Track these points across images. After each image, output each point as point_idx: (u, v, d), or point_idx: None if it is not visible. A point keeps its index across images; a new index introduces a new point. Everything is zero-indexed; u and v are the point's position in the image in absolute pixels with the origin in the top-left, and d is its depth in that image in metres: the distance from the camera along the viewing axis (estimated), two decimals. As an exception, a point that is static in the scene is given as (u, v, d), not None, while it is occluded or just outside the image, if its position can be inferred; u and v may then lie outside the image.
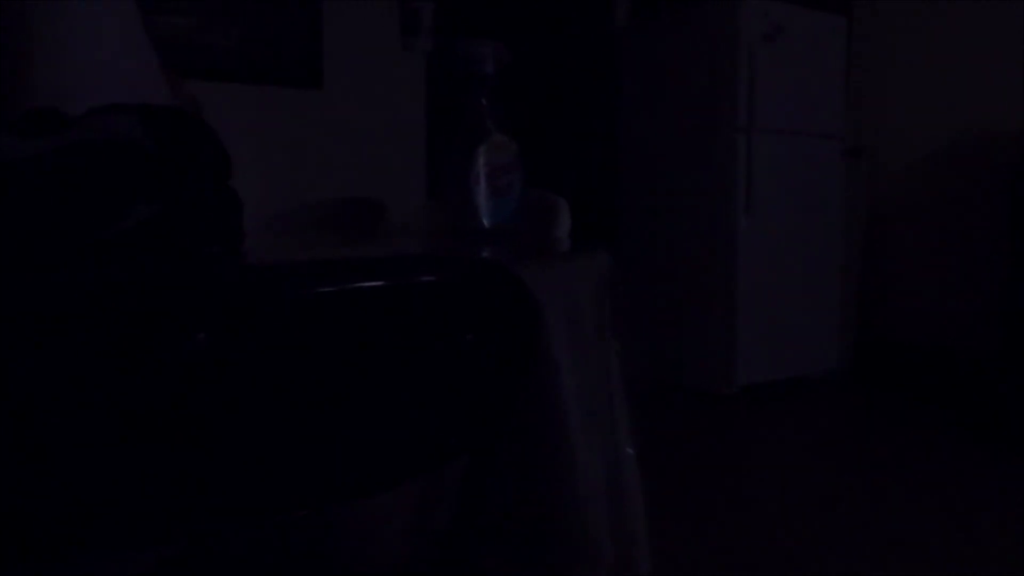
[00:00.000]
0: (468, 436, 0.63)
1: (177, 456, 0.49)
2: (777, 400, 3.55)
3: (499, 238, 1.12)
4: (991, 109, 3.54)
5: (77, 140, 0.65)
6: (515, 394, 0.65)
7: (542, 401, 0.75)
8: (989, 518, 2.19)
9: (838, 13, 3.83)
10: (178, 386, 0.48)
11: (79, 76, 0.95)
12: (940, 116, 3.76)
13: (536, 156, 4.09)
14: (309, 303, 0.52)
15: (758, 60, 3.52)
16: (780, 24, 3.57)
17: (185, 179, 0.74)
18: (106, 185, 0.64)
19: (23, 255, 0.59)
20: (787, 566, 1.90)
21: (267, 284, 0.51)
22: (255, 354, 0.51)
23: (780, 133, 3.64)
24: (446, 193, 1.21)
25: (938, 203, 3.79)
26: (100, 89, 0.93)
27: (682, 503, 2.30)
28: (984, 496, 2.37)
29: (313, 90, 3.27)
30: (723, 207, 3.58)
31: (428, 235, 1.35)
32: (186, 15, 3.03)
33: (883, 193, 4.01)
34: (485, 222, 1.15)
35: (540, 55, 3.94)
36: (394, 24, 3.47)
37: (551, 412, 0.76)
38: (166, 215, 0.70)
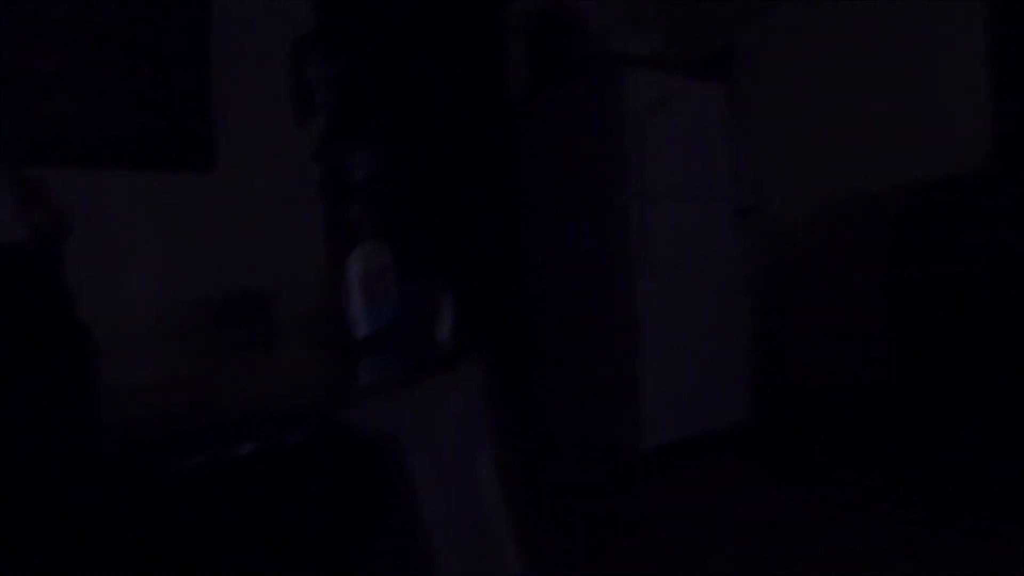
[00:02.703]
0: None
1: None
2: (687, 458, 3.61)
3: (374, 349, 1.12)
4: (870, 166, 3.75)
5: None
6: (374, 537, 0.65)
7: (405, 534, 0.75)
8: (896, 561, 2.27)
9: (718, 81, 4.03)
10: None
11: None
12: (823, 174, 3.96)
13: (441, 225, 4.12)
14: (166, 479, 0.51)
15: (646, 128, 3.65)
16: (665, 94, 3.72)
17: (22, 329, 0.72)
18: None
19: None
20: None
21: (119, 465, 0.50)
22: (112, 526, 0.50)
23: (672, 197, 3.77)
24: (325, 301, 1.21)
25: (828, 257, 3.97)
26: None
27: (595, 564, 2.30)
28: (887, 541, 2.45)
29: (206, 173, 3.22)
30: (621, 270, 3.66)
31: (311, 343, 1.34)
32: (69, 102, 2.96)
33: (776, 250, 4.18)
34: (361, 331, 1.15)
35: (439, 125, 4.00)
36: (286, 101, 3.46)
37: (415, 543, 0.76)
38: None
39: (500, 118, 4.19)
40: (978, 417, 2.81)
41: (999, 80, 3.32)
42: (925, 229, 3.18)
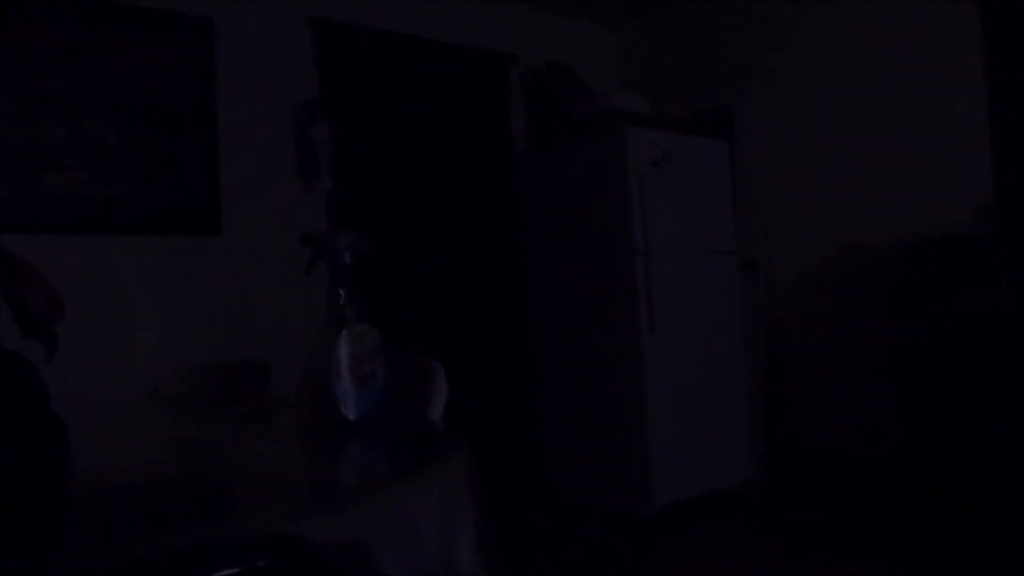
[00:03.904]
0: None
1: None
2: (696, 517, 3.55)
3: (363, 431, 1.12)
4: (872, 219, 3.75)
5: None
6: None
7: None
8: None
9: (720, 138, 4.06)
10: None
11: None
12: (827, 226, 3.95)
13: (447, 284, 4.13)
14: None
15: (649, 185, 3.67)
16: (667, 151, 3.75)
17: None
18: None
19: None
20: None
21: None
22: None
23: (676, 252, 3.77)
24: (313, 383, 1.20)
25: (832, 310, 3.94)
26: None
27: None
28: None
29: (212, 236, 3.25)
30: (627, 327, 3.65)
31: (302, 423, 1.33)
32: (77, 169, 3.01)
33: (781, 303, 4.16)
34: (349, 414, 1.15)
35: (443, 184, 4.04)
36: (291, 166, 3.51)
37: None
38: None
39: (503, 178, 4.23)
40: (980, 477, 2.76)
41: (999, 135, 3.33)
42: (924, 287, 3.16)
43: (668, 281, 3.71)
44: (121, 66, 3.14)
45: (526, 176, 4.20)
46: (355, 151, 3.70)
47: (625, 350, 3.66)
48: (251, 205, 3.36)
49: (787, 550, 3.07)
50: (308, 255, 1.25)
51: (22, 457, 0.68)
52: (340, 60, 3.69)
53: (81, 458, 0.92)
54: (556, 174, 4.03)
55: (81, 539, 0.67)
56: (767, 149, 4.19)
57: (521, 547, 3.34)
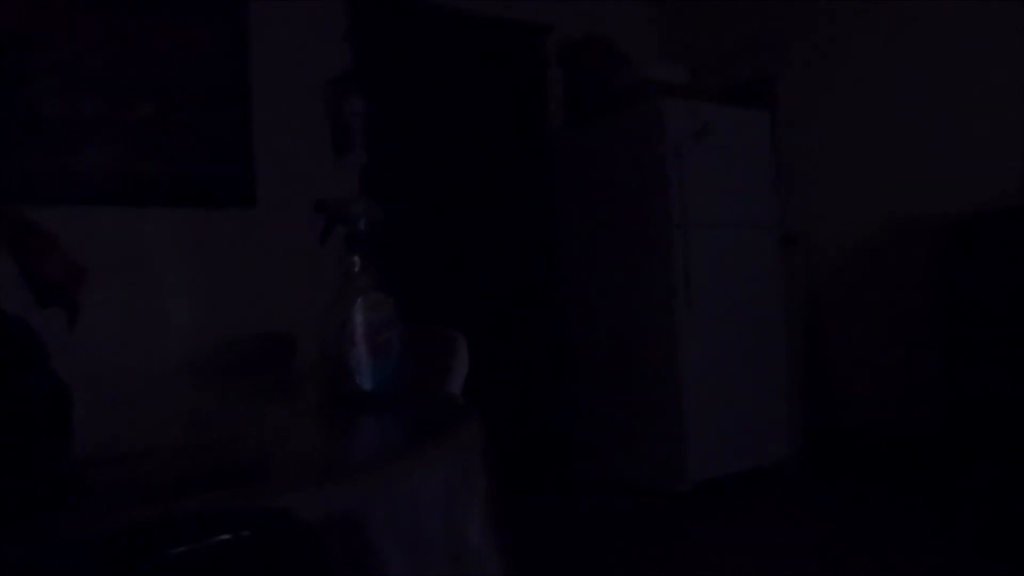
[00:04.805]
0: None
1: None
2: (732, 495, 3.50)
3: (377, 403, 1.09)
4: (918, 192, 3.62)
5: None
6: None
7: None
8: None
9: (761, 109, 3.95)
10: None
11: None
12: (869, 201, 3.84)
13: (478, 257, 4.10)
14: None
15: (687, 158, 3.60)
16: (706, 122, 3.65)
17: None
18: None
19: None
20: None
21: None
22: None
23: (715, 226, 3.69)
24: (327, 354, 1.18)
25: (874, 286, 3.83)
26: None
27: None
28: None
29: (247, 209, 3.26)
30: (663, 301, 3.60)
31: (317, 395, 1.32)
32: (111, 143, 3.03)
33: (822, 279, 4.06)
34: (365, 385, 1.13)
35: (477, 156, 3.99)
36: (325, 139, 3.50)
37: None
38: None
39: (537, 151, 4.17)
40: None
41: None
42: (972, 262, 3.05)
43: (706, 255, 3.64)
44: (156, 43, 3.14)
45: (561, 149, 4.14)
46: (388, 123, 3.67)
47: (661, 325, 3.61)
48: (285, 178, 3.36)
49: (824, 529, 3.01)
50: (323, 223, 1.23)
51: (15, 422, 0.67)
52: (373, 33, 3.66)
53: (89, 426, 0.91)
54: (592, 147, 3.96)
55: (71, 506, 0.65)
56: (809, 121, 4.07)
57: (554, 525, 3.33)
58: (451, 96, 3.91)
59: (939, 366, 3.33)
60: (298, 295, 3.20)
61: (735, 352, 3.72)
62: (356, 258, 1.21)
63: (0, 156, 2.80)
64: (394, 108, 3.71)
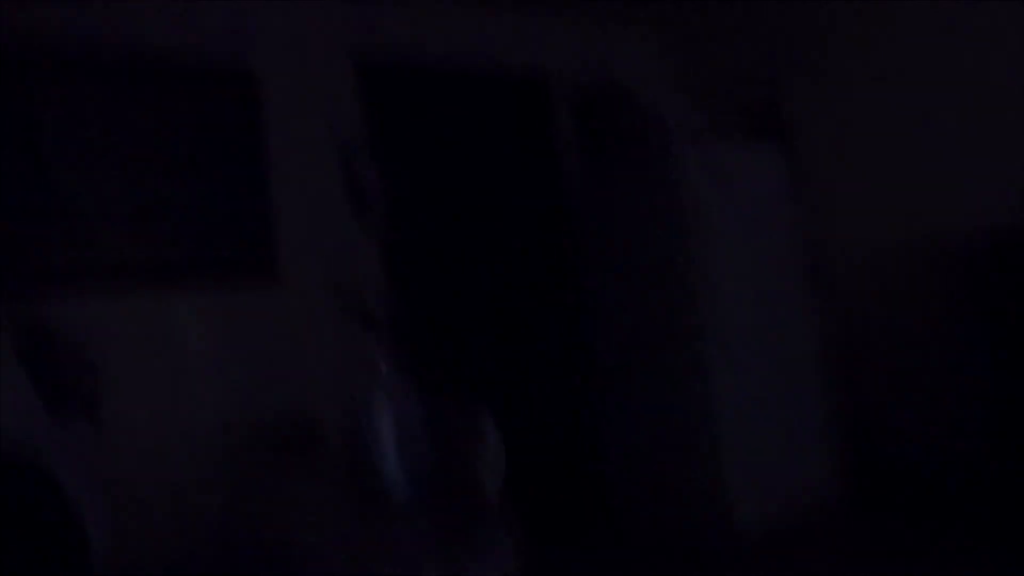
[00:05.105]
0: None
1: None
2: (778, 541, 3.40)
3: (414, 512, 1.07)
4: (952, 209, 3.54)
5: None
6: None
7: None
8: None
9: (774, 136, 3.93)
10: None
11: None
12: (897, 220, 3.76)
13: (503, 308, 4.05)
14: None
15: (704, 195, 3.56)
16: (720, 159, 3.64)
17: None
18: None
19: None
20: None
21: None
22: None
23: (738, 261, 3.64)
24: (356, 460, 1.16)
25: (912, 309, 3.74)
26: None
27: None
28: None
29: (269, 284, 3.26)
30: (692, 342, 3.54)
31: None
32: (132, 227, 3.04)
33: (855, 305, 3.97)
34: (399, 492, 1.10)
35: (494, 208, 3.99)
36: (345, 206, 3.51)
37: None
38: None
39: (553, 199, 4.17)
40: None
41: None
42: (1012, 279, 2.98)
43: (733, 294, 3.59)
44: (172, 123, 3.19)
45: (578, 194, 4.13)
46: (405, 185, 3.69)
47: (691, 369, 3.55)
48: (306, 249, 3.37)
49: (874, 569, 2.91)
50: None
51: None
52: (383, 95, 3.70)
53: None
54: (608, 191, 3.94)
55: None
56: (827, 144, 4.01)
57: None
58: (464, 150, 3.93)
59: (986, 390, 3.24)
60: (323, 371, 3.20)
61: (770, 387, 3.64)
62: (374, 342, 1.19)
63: (22, 246, 2.81)
64: (410, 169, 3.73)
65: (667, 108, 3.93)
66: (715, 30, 4.44)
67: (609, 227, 3.93)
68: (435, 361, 3.23)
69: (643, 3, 4.29)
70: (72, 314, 2.36)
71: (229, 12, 3.33)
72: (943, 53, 3.53)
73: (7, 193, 2.80)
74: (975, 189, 3.45)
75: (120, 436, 2.06)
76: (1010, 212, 3.25)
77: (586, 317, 4.08)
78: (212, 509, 1.16)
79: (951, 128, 3.53)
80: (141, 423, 2.58)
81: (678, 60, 4.67)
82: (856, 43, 3.85)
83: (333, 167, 3.51)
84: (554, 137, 4.22)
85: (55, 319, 1.28)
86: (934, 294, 3.63)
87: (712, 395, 3.49)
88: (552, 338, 4.09)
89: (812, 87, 4.03)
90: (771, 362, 3.67)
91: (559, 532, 3.56)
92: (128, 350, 2.72)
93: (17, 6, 2.81)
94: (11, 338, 1.19)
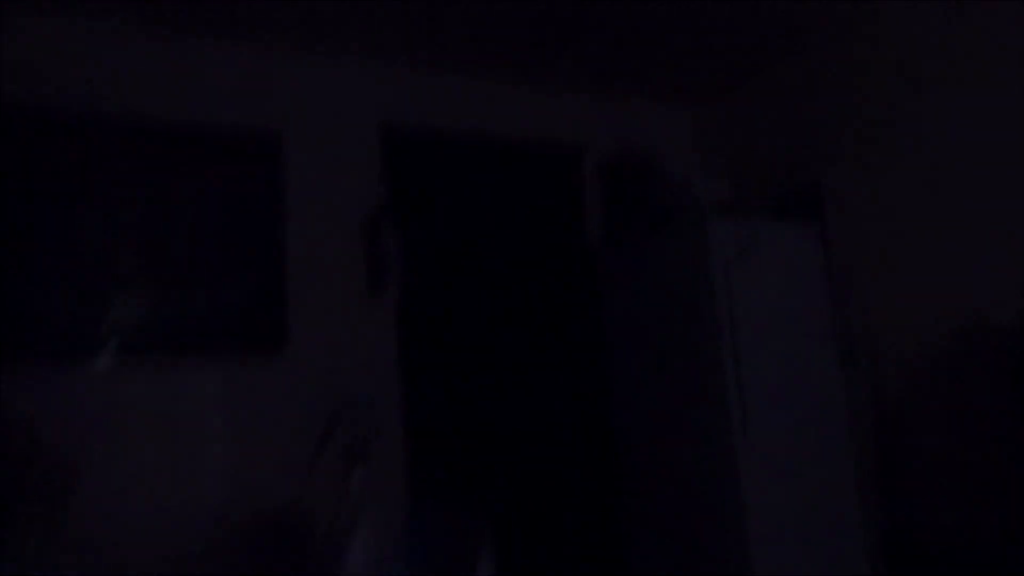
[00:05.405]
0: None
1: None
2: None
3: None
4: (986, 295, 3.39)
5: None
6: None
7: None
8: None
9: (809, 218, 3.80)
10: None
11: None
12: (934, 307, 3.60)
13: (524, 385, 3.92)
14: None
15: (734, 277, 3.44)
16: (752, 240, 3.52)
17: None
18: None
19: None
20: None
21: None
22: None
23: (768, 346, 3.50)
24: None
25: (947, 401, 3.56)
26: None
27: None
28: None
29: (278, 353, 3.18)
30: (719, 428, 3.38)
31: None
32: (146, 292, 3.00)
33: (889, 394, 3.79)
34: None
35: (518, 283, 3.89)
36: (360, 277, 3.44)
37: None
38: None
39: (580, 275, 4.06)
40: None
41: None
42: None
43: (761, 378, 3.43)
44: (191, 188, 3.16)
45: (604, 271, 4.02)
46: (425, 257, 3.61)
47: (717, 452, 3.38)
48: (319, 319, 3.29)
49: None
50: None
51: None
52: (407, 166, 3.65)
53: None
54: (636, 267, 3.84)
55: None
56: (862, 228, 3.89)
57: None
58: (489, 222, 3.86)
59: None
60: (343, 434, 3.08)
61: (801, 478, 3.45)
62: (358, 473, 1.08)
63: (31, 312, 2.78)
64: (431, 239, 3.66)
65: (699, 184, 3.83)
66: (750, 111, 4.38)
67: (635, 298, 3.81)
68: (442, 468, 3.11)
69: (677, 79, 4.23)
70: (78, 379, 2.29)
71: (253, 74, 3.32)
72: (991, 138, 3.41)
73: (17, 265, 2.77)
74: (1009, 277, 3.30)
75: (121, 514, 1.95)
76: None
77: (612, 390, 3.94)
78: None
79: (991, 214, 3.39)
80: (145, 490, 2.48)
81: (708, 134, 4.61)
82: (897, 127, 3.75)
83: (351, 236, 3.45)
84: (583, 213, 4.14)
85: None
86: (971, 381, 3.45)
87: (739, 483, 3.31)
88: (576, 409, 3.94)
89: (851, 167, 3.93)
90: (804, 443, 3.49)
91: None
92: (135, 419, 2.64)
93: (30, 70, 2.82)
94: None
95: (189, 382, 2.95)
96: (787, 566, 3.32)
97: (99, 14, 2.96)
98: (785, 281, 3.61)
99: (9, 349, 2.65)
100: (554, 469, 3.82)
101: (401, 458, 3.25)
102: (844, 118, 3.95)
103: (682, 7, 3.44)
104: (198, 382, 2.96)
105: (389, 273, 3.43)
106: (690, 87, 4.34)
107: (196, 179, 3.17)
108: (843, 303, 3.84)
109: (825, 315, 3.71)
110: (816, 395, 3.61)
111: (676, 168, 4.28)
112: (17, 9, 2.83)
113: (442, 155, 3.77)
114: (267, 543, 1.71)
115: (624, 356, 3.89)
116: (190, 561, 1.93)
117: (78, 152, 2.93)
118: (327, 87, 3.48)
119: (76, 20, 2.95)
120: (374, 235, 3.46)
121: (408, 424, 3.36)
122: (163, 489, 2.66)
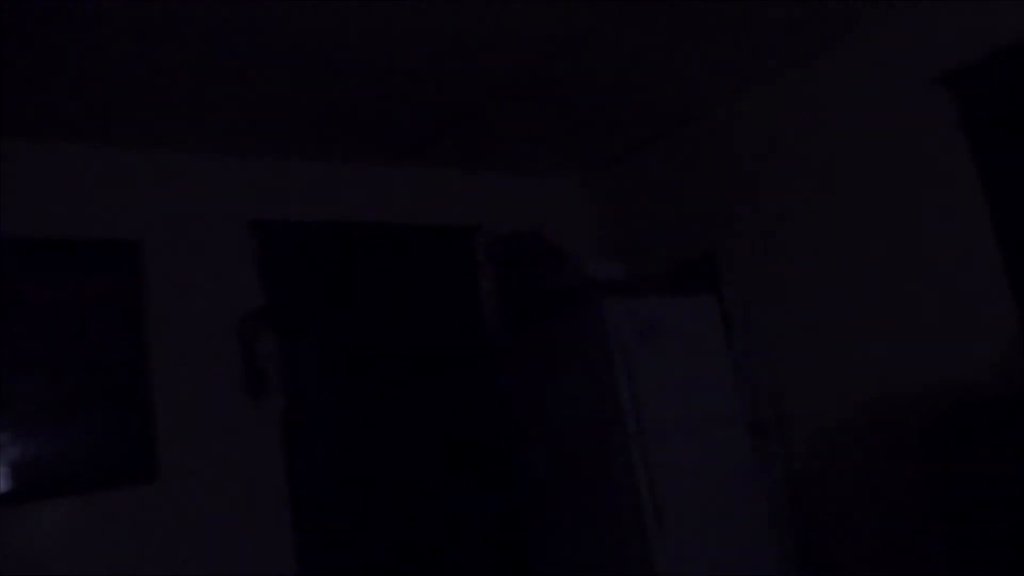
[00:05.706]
0: None
1: None
2: None
3: None
4: (893, 366, 3.34)
5: None
6: None
7: None
8: None
9: (707, 291, 3.73)
10: None
11: None
12: (840, 381, 3.54)
13: (429, 487, 3.66)
14: None
15: (635, 356, 3.32)
16: (651, 318, 3.41)
17: None
18: None
19: None
20: None
21: None
22: None
23: (675, 426, 3.38)
24: None
25: (859, 468, 3.49)
26: None
27: None
28: None
29: (148, 484, 2.89)
30: (631, 517, 3.23)
31: None
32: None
33: (801, 464, 3.71)
34: None
35: (413, 375, 3.69)
36: (238, 385, 3.18)
37: None
38: None
39: (478, 360, 3.89)
40: None
41: (1012, 266, 2.98)
42: (966, 454, 2.76)
43: (671, 458, 3.31)
44: (40, 305, 2.86)
45: (504, 354, 3.86)
46: (310, 359, 3.38)
47: (634, 546, 3.22)
48: (193, 440, 3.01)
49: None
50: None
51: None
52: (288, 259, 3.43)
53: None
54: (536, 349, 3.68)
55: None
56: (759, 298, 3.83)
57: None
58: (380, 313, 3.66)
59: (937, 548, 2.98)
60: (232, 559, 2.81)
61: (720, 556, 3.32)
62: None
63: None
64: (316, 339, 3.43)
65: (593, 261, 3.73)
66: (643, 183, 4.32)
67: (535, 382, 3.66)
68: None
69: (567, 152, 4.14)
70: None
71: (107, 180, 3.07)
72: (889, 205, 3.38)
73: None
74: (911, 346, 3.27)
75: None
76: (957, 363, 3.06)
77: (520, 479, 3.76)
78: None
79: (895, 282, 3.37)
80: None
81: (606, 210, 4.52)
82: (788, 197, 3.72)
83: (225, 341, 3.20)
84: (478, 295, 3.98)
85: None
86: (884, 451, 3.39)
87: (656, 568, 3.15)
88: (484, 504, 3.74)
89: (744, 237, 3.88)
90: (720, 526, 3.36)
91: None
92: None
93: None
94: None
95: (53, 525, 2.64)
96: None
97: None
98: (688, 355, 3.51)
99: None
100: (465, 564, 3.60)
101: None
102: (735, 188, 3.90)
103: (569, 82, 3.35)
104: (63, 524, 2.65)
105: (270, 378, 3.18)
106: (581, 160, 4.27)
107: (46, 298, 2.88)
108: (748, 374, 3.77)
109: (731, 387, 3.62)
110: (728, 469, 3.50)
111: (570, 243, 4.18)
112: None
113: (324, 247, 3.57)
114: None
115: (530, 442, 3.72)
116: None
117: None
118: (190, 188, 3.25)
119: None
120: (251, 339, 3.21)
121: (300, 536, 3.11)
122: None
